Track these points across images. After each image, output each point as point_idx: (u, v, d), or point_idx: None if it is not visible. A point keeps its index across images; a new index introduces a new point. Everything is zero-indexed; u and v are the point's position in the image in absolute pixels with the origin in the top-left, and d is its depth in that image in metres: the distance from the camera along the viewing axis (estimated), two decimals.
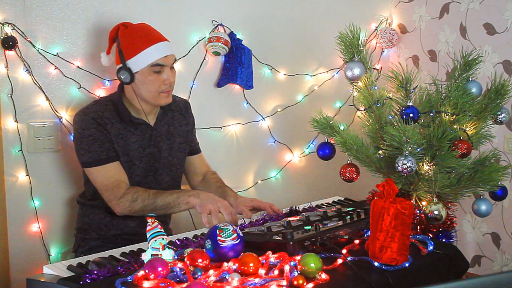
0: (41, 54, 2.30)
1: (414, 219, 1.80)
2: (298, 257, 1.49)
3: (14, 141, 2.30)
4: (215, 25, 2.64)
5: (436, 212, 1.80)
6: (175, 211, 2.06)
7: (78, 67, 2.38)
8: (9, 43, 2.21)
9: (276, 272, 1.45)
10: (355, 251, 1.65)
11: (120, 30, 2.11)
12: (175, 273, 1.44)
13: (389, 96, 2.00)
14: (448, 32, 2.86)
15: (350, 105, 2.20)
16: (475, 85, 1.92)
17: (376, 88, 2.02)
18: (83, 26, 2.38)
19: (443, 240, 1.88)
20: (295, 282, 1.39)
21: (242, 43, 2.68)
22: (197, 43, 2.62)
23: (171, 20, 2.40)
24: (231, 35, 2.66)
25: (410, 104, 1.84)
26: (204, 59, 2.65)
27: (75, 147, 2.14)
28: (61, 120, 2.37)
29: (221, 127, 2.77)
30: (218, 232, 1.54)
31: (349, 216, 1.82)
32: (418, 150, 1.78)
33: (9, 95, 2.27)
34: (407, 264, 1.56)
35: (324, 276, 1.44)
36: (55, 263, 1.65)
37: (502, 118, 1.96)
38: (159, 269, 1.39)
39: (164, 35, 2.15)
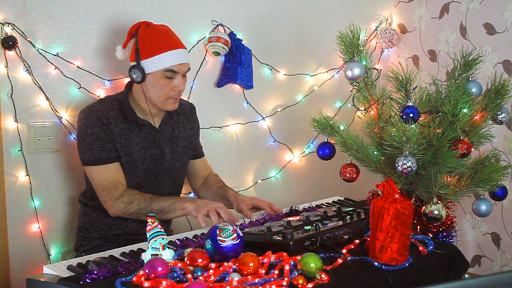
0: (41, 54, 2.30)
1: (413, 218, 1.80)
2: (298, 257, 1.49)
3: (14, 141, 2.30)
4: (215, 25, 2.64)
5: (436, 212, 1.79)
6: (170, 217, 2.06)
7: (78, 67, 2.38)
8: (9, 43, 2.21)
9: (276, 272, 1.45)
10: (355, 251, 1.65)
11: (141, 28, 2.10)
12: (175, 273, 1.44)
13: (389, 96, 2.00)
14: (448, 32, 2.86)
15: (350, 105, 2.20)
16: (475, 85, 1.92)
17: (376, 88, 2.02)
18: (83, 26, 2.38)
19: (443, 240, 1.88)
20: (295, 282, 1.39)
21: (242, 43, 2.68)
22: (197, 43, 2.62)
23: (171, 20, 2.39)
24: (231, 35, 2.66)
25: (410, 104, 1.83)
26: (204, 59, 2.65)
27: (77, 145, 2.14)
28: (61, 120, 2.37)
29: (221, 127, 2.77)
30: (218, 232, 1.54)
31: (349, 216, 1.82)
32: (418, 150, 1.78)
33: (9, 95, 2.27)
34: (407, 264, 1.56)
35: (324, 276, 1.44)
36: (55, 263, 1.65)
37: (502, 118, 1.96)
38: (159, 269, 1.39)
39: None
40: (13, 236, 2.33)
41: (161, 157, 2.20)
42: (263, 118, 2.87)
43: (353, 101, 2.13)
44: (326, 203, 2.30)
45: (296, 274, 1.44)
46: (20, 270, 2.32)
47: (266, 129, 2.89)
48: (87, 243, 2.20)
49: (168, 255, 1.52)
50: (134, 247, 1.78)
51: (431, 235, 1.84)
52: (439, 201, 1.81)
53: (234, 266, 1.45)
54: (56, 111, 2.36)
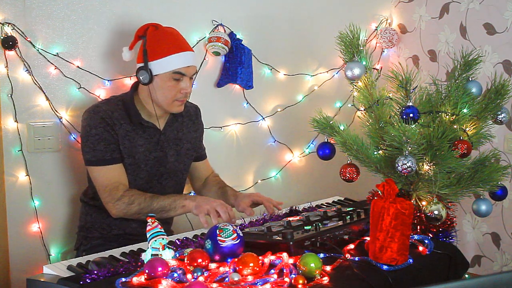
0: (41, 54, 2.30)
1: (414, 219, 1.80)
2: (298, 257, 1.49)
3: (14, 141, 2.30)
4: (215, 25, 2.64)
5: (436, 212, 1.79)
6: (170, 215, 2.06)
7: (78, 67, 2.38)
8: (9, 43, 2.21)
9: (276, 272, 1.45)
10: (355, 251, 1.65)
11: (149, 30, 2.10)
12: (175, 273, 1.44)
13: (389, 96, 2.00)
14: (448, 32, 2.86)
15: (350, 105, 2.20)
16: (475, 85, 1.92)
17: (376, 88, 2.02)
18: (83, 26, 2.38)
19: (443, 240, 1.88)
20: (295, 282, 1.39)
21: (242, 43, 2.68)
22: (197, 43, 2.62)
23: (171, 20, 2.39)
24: (231, 35, 2.66)
25: (410, 104, 1.84)
26: (204, 59, 2.65)
27: (81, 144, 2.14)
28: (61, 120, 2.37)
29: (221, 127, 2.77)
30: (218, 232, 1.54)
31: (349, 216, 1.82)
32: (418, 150, 1.78)
33: (9, 95, 2.27)
34: (407, 264, 1.56)
35: (324, 276, 1.44)
36: (55, 263, 1.66)
37: (502, 118, 1.96)
38: (159, 269, 1.39)
39: None
40: (13, 236, 2.33)
41: (165, 160, 2.19)
42: (263, 118, 2.87)
43: (353, 101, 2.13)
44: (326, 203, 2.30)
45: (296, 274, 1.44)
46: (20, 270, 2.32)
47: (266, 129, 2.89)
48: (88, 242, 2.20)
49: (168, 255, 1.52)
50: (134, 247, 1.78)
51: (431, 235, 1.84)
52: (439, 201, 1.81)
53: (234, 266, 1.45)
54: (56, 111, 2.36)
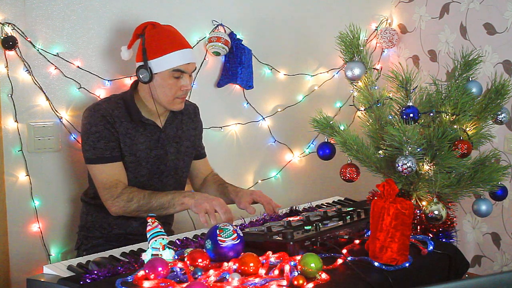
0: (41, 54, 2.30)
1: (414, 219, 1.80)
2: (298, 257, 1.49)
3: (14, 141, 2.30)
4: (215, 25, 2.64)
5: (436, 212, 1.79)
6: (170, 212, 2.06)
7: (78, 67, 2.38)
8: (9, 43, 2.21)
9: (276, 272, 1.45)
10: (355, 251, 1.65)
11: (147, 28, 2.10)
12: (175, 273, 1.44)
13: (389, 96, 2.00)
14: (448, 32, 2.86)
15: (350, 105, 2.20)
16: (475, 85, 1.92)
17: (376, 88, 2.02)
18: (83, 26, 2.38)
19: (443, 240, 1.88)
20: (295, 282, 1.39)
21: (242, 43, 2.68)
22: (197, 43, 2.62)
23: (171, 20, 2.39)
24: (231, 35, 2.66)
25: (410, 104, 1.84)
26: (204, 59, 2.65)
27: (81, 142, 2.14)
28: (61, 120, 2.37)
29: (221, 127, 2.77)
30: (218, 232, 1.54)
31: (349, 216, 1.82)
32: (418, 150, 1.78)
33: (9, 95, 2.27)
34: (407, 264, 1.56)
35: (324, 276, 1.44)
36: (55, 263, 1.65)
37: (502, 118, 1.96)
38: (159, 269, 1.39)
39: None
40: (13, 236, 2.33)
41: (165, 157, 2.20)
42: (263, 118, 2.87)
43: (353, 101, 2.13)
44: (326, 203, 2.30)
45: (296, 274, 1.44)
46: (20, 270, 2.32)
47: (266, 129, 2.89)
48: (89, 242, 2.20)
49: (168, 255, 1.52)
50: (135, 247, 1.78)
51: (431, 235, 1.84)
52: (439, 201, 1.81)
53: (234, 266, 1.45)
54: (56, 111, 2.36)
